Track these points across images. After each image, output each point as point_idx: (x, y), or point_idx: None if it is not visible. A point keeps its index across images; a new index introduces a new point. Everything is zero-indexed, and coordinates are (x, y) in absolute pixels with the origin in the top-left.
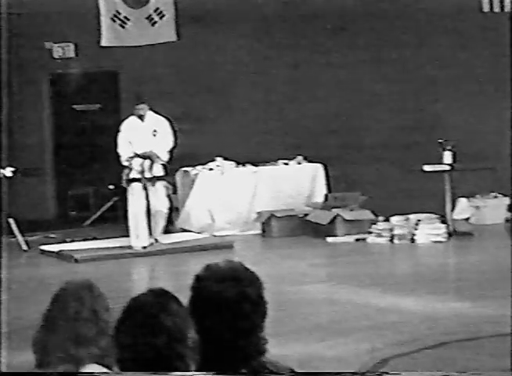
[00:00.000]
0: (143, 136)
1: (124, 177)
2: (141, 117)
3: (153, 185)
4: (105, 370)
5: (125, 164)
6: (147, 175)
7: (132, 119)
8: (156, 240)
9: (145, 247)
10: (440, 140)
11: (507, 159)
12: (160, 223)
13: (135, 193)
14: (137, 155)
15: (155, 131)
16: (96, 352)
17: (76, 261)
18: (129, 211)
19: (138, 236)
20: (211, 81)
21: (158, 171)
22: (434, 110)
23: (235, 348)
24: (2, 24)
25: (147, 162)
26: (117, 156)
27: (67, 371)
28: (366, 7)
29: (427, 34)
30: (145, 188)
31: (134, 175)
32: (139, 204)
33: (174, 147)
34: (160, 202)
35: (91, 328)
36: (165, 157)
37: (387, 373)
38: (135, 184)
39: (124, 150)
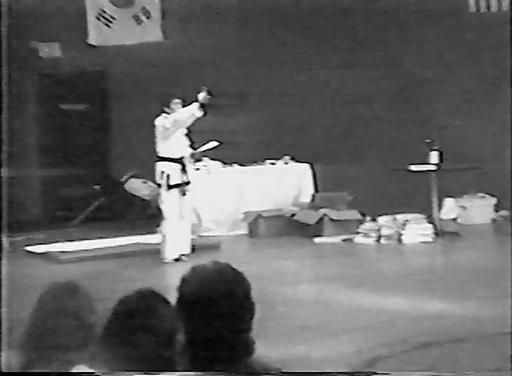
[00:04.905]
0: (183, 136)
1: (163, 181)
2: None
3: (187, 190)
4: (91, 370)
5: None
6: (185, 179)
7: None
8: (184, 255)
9: (177, 260)
10: (427, 140)
11: (494, 159)
12: (189, 234)
13: (172, 201)
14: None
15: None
16: (81, 356)
17: (61, 262)
18: (166, 219)
19: (173, 248)
20: (196, 80)
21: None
22: (421, 110)
23: (223, 348)
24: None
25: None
26: (102, 155)
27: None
28: (360, 5)
29: (416, 32)
30: (183, 194)
31: (174, 180)
32: (175, 213)
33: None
34: (189, 211)
35: (75, 333)
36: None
37: (375, 373)
38: (173, 190)
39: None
